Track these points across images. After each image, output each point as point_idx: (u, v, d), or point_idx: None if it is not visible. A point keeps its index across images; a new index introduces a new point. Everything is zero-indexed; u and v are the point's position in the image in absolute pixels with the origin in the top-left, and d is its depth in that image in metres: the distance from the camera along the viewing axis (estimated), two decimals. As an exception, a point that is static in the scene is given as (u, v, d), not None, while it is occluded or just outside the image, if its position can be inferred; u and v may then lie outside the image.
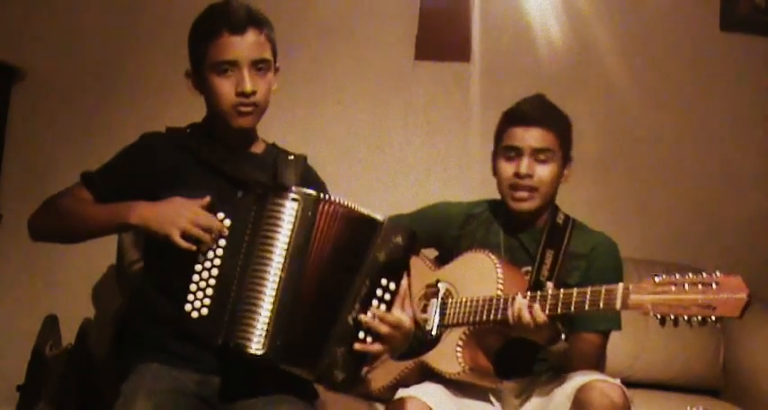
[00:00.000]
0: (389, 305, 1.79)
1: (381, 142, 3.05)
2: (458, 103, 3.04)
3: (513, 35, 3.05)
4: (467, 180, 2.97)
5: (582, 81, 3.07)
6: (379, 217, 1.80)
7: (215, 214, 1.76)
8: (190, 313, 1.73)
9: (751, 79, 3.13)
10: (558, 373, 2.07)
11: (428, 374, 2.06)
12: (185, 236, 1.73)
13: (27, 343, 2.47)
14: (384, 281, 1.78)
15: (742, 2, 3.11)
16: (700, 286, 1.71)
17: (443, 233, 2.29)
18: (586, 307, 1.86)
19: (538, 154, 2.10)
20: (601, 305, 1.84)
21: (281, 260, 1.73)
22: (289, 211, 1.74)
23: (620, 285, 1.83)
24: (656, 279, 1.78)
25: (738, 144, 3.13)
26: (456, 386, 2.06)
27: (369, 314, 1.76)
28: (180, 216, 1.74)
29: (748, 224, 3.08)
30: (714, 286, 1.69)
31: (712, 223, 3.10)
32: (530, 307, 1.90)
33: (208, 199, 1.77)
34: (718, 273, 1.71)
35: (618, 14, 3.07)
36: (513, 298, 1.94)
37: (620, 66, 3.05)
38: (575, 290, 1.89)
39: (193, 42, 1.89)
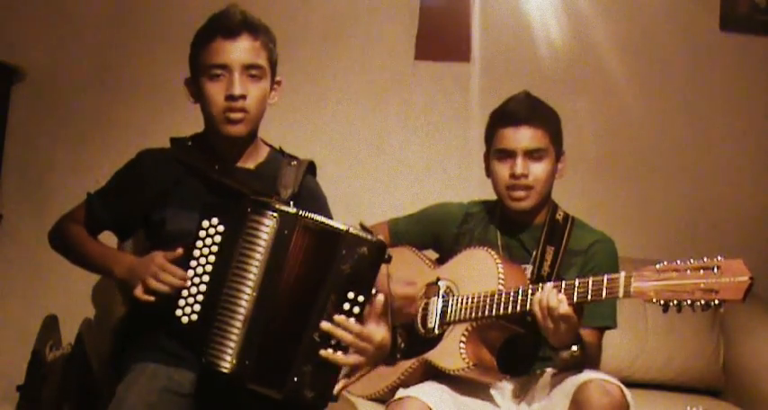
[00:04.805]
0: (359, 318, 1.71)
1: (381, 142, 3.05)
2: (457, 103, 3.04)
3: (512, 35, 3.05)
4: (467, 180, 2.97)
5: (582, 81, 3.07)
6: (341, 227, 1.71)
7: (210, 220, 1.74)
8: (180, 318, 1.73)
9: (751, 79, 3.13)
10: (559, 372, 2.06)
11: (432, 373, 2.06)
12: (147, 289, 1.73)
13: (27, 343, 2.47)
14: (351, 295, 1.70)
15: (742, 2, 3.10)
16: (701, 271, 1.70)
17: (443, 232, 2.30)
18: (589, 298, 1.84)
19: (531, 153, 2.11)
20: (603, 295, 1.82)
21: (255, 279, 1.71)
22: (265, 229, 1.71)
23: (623, 274, 1.82)
24: (658, 266, 1.76)
25: (738, 144, 3.12)
26: (458, 385, 2.06)
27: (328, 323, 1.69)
28: (146, 272, 1.73)
29: (748, 224, 3.08)
30: (716, 270, 1.68)
31: (712, 223, 3.10)
32: (557, 292, 1.86)
33: (180, 250, 1.75)
34: (719, 258, 1.70)
35: (618, 14, 3.07)
36: (536, 289, 1.91)
37: (620, 66, 3.04)
38: (576, 281, 1.88)
39: (192, 49, 1.91)
